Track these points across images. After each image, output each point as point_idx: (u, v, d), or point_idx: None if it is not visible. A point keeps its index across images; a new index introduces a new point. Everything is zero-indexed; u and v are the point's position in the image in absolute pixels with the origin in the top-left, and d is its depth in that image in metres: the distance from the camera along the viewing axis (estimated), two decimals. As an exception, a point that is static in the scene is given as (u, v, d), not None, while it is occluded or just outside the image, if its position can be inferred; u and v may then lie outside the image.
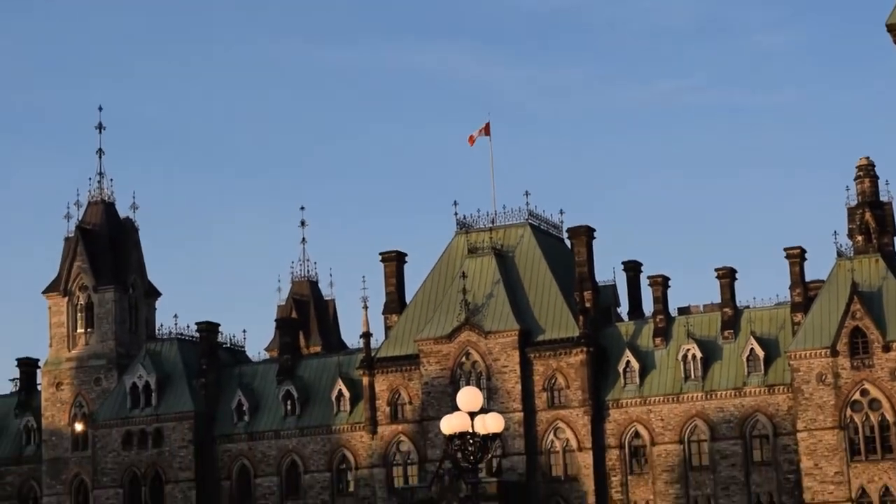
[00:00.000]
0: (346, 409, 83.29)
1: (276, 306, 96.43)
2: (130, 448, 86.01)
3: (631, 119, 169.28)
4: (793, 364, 72.12)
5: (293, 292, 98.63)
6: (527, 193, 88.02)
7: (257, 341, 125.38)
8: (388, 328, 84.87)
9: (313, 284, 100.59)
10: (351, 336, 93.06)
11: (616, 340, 79.72)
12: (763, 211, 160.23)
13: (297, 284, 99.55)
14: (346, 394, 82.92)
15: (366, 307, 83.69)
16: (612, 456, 77.54)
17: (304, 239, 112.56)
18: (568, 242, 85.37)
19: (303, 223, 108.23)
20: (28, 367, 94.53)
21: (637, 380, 77.37)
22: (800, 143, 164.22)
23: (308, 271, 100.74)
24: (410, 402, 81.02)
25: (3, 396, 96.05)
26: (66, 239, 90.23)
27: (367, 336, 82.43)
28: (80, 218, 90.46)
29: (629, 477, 77.31)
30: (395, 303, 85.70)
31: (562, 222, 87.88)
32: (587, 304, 78.81)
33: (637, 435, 77.39)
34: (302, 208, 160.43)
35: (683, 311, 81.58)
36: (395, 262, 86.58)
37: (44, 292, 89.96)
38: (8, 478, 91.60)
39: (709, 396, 75.81)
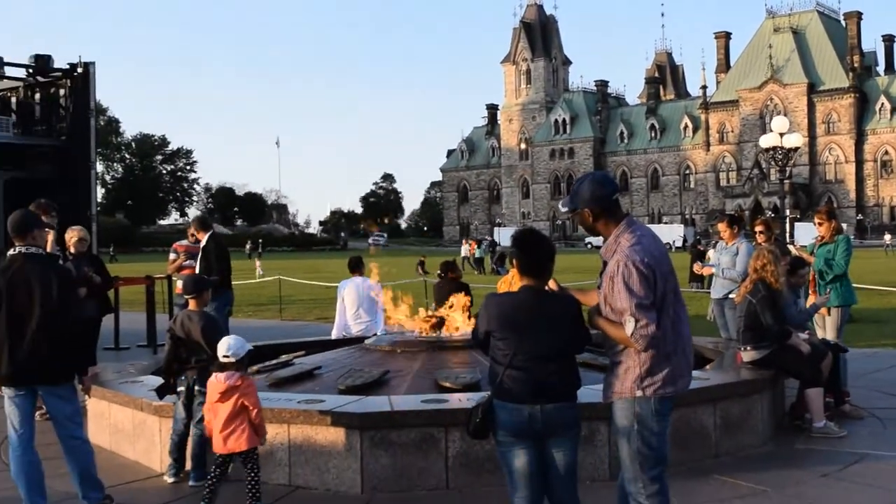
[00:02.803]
0: (690, 135, 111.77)
1: (645, 69, 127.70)
2: (554, 159, 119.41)
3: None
4: None
5: (656, 60, 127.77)
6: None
7: (633, 91, 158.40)
8: (718, 82, 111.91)
9: (669, 55, 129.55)
10: (693, 88, 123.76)
11: (874, 89, 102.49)
12: None
13: (658, 55, 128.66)
14: (690, 125, 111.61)
15: (704, 69, 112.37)
16: (868, 167, 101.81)
17: (662, 25, 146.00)
18: (843, 22, 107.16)
19: (662, 14, 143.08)
20: (492, 109, 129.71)
21: (888, 116, 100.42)
22: None
23: (666, 46, 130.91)
24: (732, 131, 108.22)
25: (477, 127, 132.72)
26: (514, 29, 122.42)
27: (704, 88, 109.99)
28: (521, 16, 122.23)
29: (879, 181, 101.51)
30: (724, 65, 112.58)
31: (839, 8, 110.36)
32: (855, 65, 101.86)
33: (886, 153, 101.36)
34: (662, 3, 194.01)
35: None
36: (724, 38, 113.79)
37: (501, 63, 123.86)
38: (482, 177, 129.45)
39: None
